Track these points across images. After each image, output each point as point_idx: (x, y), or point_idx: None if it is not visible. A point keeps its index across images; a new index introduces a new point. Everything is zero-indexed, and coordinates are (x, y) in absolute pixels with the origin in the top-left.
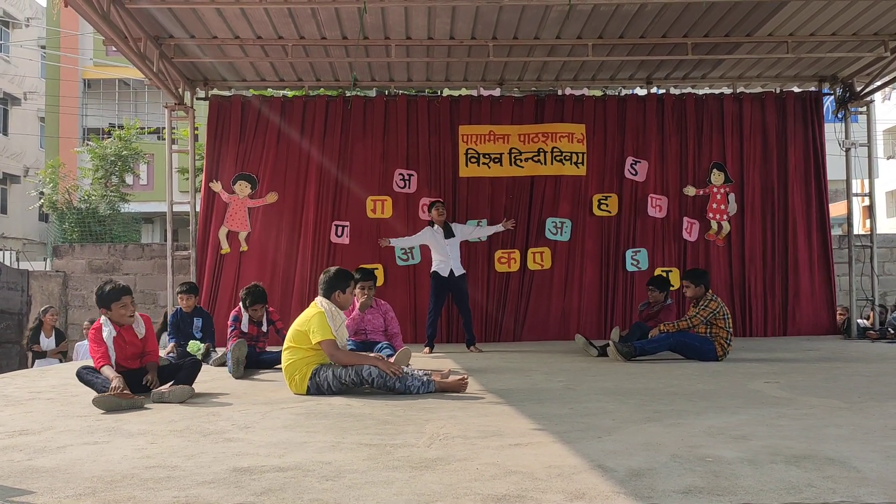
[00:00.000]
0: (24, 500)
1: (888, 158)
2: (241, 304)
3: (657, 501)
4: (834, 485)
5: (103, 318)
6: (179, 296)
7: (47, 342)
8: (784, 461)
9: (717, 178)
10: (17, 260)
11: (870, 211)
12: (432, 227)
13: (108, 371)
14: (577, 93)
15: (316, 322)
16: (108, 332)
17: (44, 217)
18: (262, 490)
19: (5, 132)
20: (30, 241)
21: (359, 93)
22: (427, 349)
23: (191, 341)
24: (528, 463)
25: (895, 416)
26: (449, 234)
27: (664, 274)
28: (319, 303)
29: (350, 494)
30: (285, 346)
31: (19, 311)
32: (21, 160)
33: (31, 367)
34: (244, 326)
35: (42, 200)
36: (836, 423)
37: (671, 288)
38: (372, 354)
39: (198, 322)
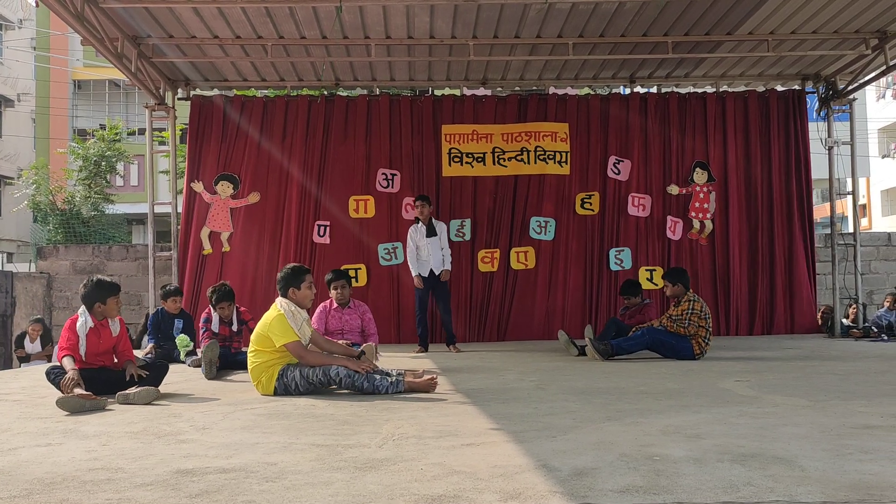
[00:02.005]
0: None
1: (882, 157)
2: (209, 304)
3: (591, 500)
4: (774, 483)
5: (82, 309)
6: (171, 299)
7: (32, 346)
8: (731, 460)
9: (700, 176)
10: (5, 262)
11: (853, 209)
12: (416, 223)
13: (66, 362)
14: (561, 92)
15: (276, 325)
16: (83, 322)
17: (36, 219)
18: (199, 492)
19: None
20: (24, 242)
21: (342, 92)
22: (419, 348)
23: (180, 335)
24: (474, 463)
25: (857, 414)
26: (431, 232)
27: (648, 273)
28: (279, 304)
29: (286, 496)
30: (250, 348)
31: (3, 312)
32: (15, 162)
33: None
34: (215, 327)
35: (26, 202)
36: (795, 421)
37: (655, 287)
38: (340, 345)
39: (178, 323)
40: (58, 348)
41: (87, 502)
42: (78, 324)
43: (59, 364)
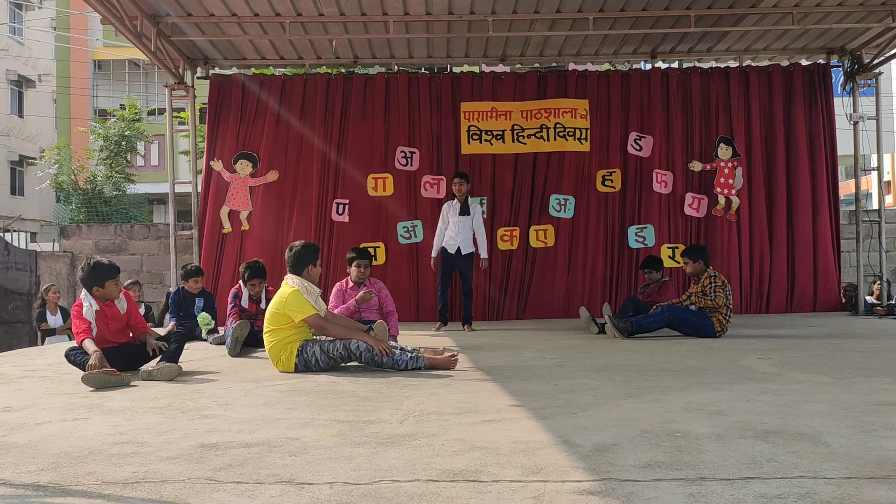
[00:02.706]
0: None
1: None
2: (240, 280)
3: (613, 476)
4: (797, 459)
5: (84, 293)
6: (192, 279)
7: (54, 319)
8: (754, 436)
9: (724, 152)
10: (29, 241)
11: (878, 185)
12: (452, 200)
13: (88, 345)
14: (581, 68)
15: (293, 301)
16: (88, 306)
17: (59, 198)
18: (223, 465)
19: (21, 114)
20: (47, 222)
21: (360, 70)
22: (438, 324)
23: (202, 314)
24: (494, 439)
25: (881, 391)
26: (465, 211)
27: (670, 250)
28: (290, 280)
29: (308, 469)
30: (266, 328)
31: (28, 291)
32: (37, 142)
33: (42, 344)
34: (244, 303)
35: (48, 182)
36: (818, 398)
37: (677, 264)
38: (353, 321)
39: (199, 302)
40: (74, 335)
41: (114, 475)
42: (84, 309)
43: (77, 346)
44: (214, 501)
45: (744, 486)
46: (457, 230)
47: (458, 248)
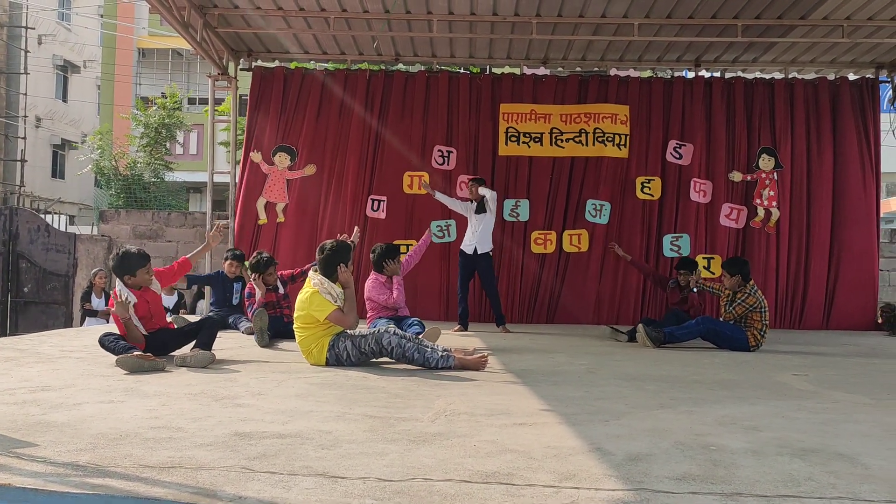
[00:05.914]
0: (25, 453)
1: None
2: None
3: (647, 486)
4: (836, 480)
5: (119, 284)
6: (229, 262)
7: (98, 302)
8: (790, 454)
9: (766, 163)
10: (68, 224)
11: None
12: (471, 203)
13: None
14: (623, 74)
15: (314, 303)
16: (125, 298)
17: (99, 183)
18: (257, 455)
19: (65, 99)
20: (86, 206)
21: (401, 68)
22: (458, 327)
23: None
24: (526, 442)
25: None
26: (480, 209)
27: (705, 261)
28: (312, 281)
29: (341, 464)
30: (296, 323)
31: (66, 273)
32: (79, 126)
33: (82, 324)
34: (259, 297)
35: (90, 167)
36: (857, 418)
37: (712, 275)
38: None
39: (237, 286)
40: (117, 327)
41: (151, 458)
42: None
43: (111, 332)
44: (250, 490)
45: (781, 503)
46: (474, 230)
47: (475, 249)
